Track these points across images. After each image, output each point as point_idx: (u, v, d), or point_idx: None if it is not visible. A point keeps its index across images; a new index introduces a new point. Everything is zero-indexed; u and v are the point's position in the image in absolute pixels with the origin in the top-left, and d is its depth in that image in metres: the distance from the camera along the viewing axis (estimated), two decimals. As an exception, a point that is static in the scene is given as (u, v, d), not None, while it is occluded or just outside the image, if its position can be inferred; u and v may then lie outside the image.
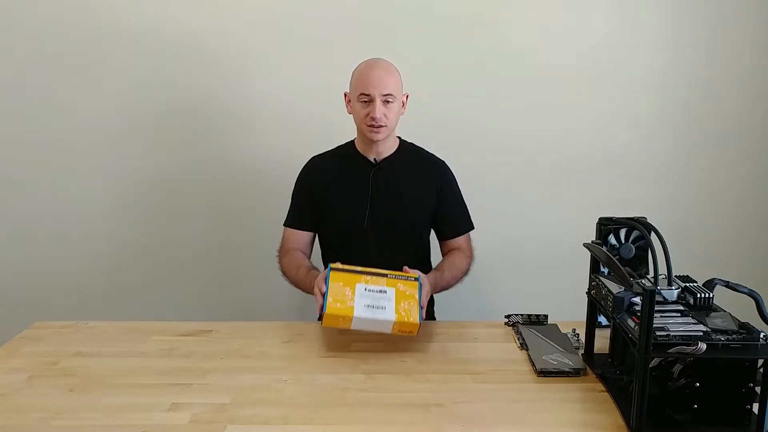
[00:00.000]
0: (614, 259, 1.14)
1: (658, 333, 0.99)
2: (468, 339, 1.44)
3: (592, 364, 1.25)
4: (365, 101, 1.55)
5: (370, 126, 1.56)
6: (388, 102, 1.55)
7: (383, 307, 1.32)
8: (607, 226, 1.25)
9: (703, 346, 0.95)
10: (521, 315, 1.49)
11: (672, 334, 0.99)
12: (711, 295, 1.08)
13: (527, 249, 2.24)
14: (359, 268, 1.41)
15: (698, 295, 1.08)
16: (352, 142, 1.70)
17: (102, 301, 2.23)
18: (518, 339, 1.40)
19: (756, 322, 1.03)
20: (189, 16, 2.07)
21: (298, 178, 1.72)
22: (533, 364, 1.27)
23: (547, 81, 2.14)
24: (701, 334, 0.99)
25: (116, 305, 2.23)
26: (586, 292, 1.28)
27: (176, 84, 2.12)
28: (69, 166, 2.17)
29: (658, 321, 1.02)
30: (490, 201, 2.14)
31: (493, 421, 1.09)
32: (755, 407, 1.00)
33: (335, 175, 1.66)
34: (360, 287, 1.36)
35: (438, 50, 2.11)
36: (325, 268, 1.72)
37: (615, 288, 1.12)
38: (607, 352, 1.26)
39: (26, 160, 2.16)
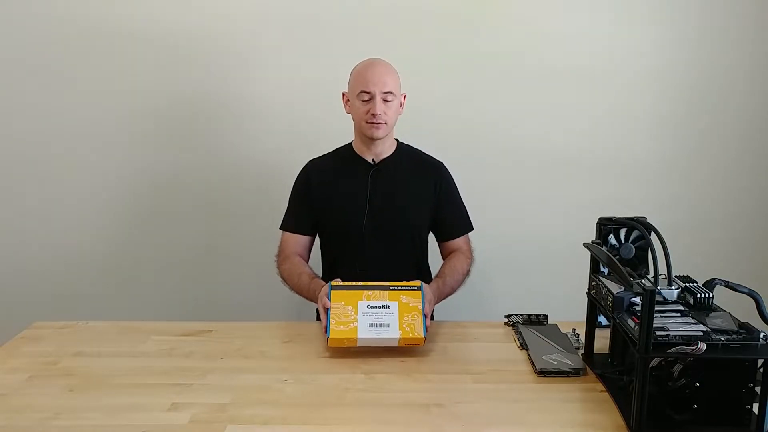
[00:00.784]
0: (614, 259, 1.14)
1: (658, 333, 0.99)
2: (468, 339, 1.44)
3: (592, 364, 1.25)
4: (365, 99, 1.55)
5: (370, 123, 1.56)
6: (387, 100, 1.55)
7: (387, 325, 1.32)
8: (607, 226, 1.25)
9: (703, 346, 0.95)
10: (521, 315, 1.49)
11: (672, 334, 0.99)
12: (711, 295, 1.08)
13: (527, 249, 2.24)
14: (360, 283, 1.40)
15: (698, 295, 1.08)
16: (350, 144, 1.70)
17: (102, 301, 2.23)
18: (518, 339, 1.40)
19: (756, 322, 1.03)
20: (188, 16, 2.07)
21: (296, 181, 1.72)
22: (533, 364, 1.27)
23: (546, 81, 2.13)
24: (701, 334, 0.99)
25: (116, 305, 2.23)
26: (586, 292, 1.28)
27: (175, 85, 2.12)
28: (69, 166, 2.17)
29: (658, 321, 1.02)
30: (489, 201, 2.14)
31: (493, 421, 1.09)
32: (755, 407, 1.00)
33: (333, 177, 1.66)
34: (362, 305, 1.35)
35: (437, 51, 2.11)
36: (323, 271, 1.73)
37: (615, 288, 1.12)
38: (607, 352, 1.26)
39: (26, 160, 2.17)
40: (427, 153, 1.74)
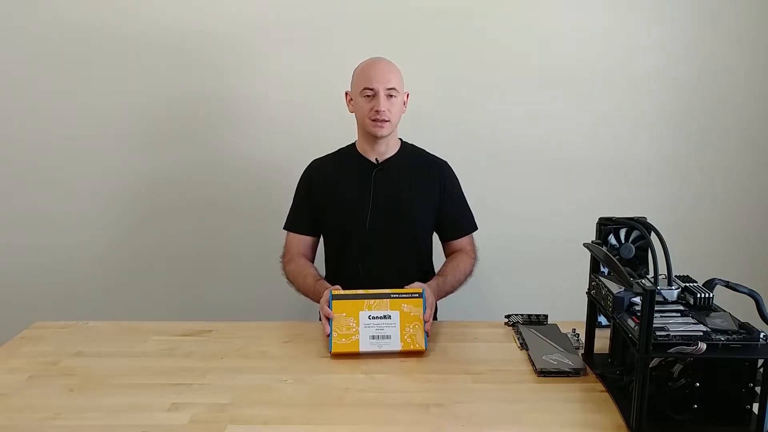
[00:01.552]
0: (614, 259, 1.13)
1: (658, 333, 0.99)
2: (468, 339, 1.44)
3: (592, 364, 1.25)
4: (369, 96, 1.55)
5: (374, 120, 1.55)
6: (391, 96, 1.55)
7: (388, 336, 1.33)
8: (607, 226, 1.25)
9: (703, 346, 0.95)
10: (521, 315, 1.49)
11: (672, 334, 0.99)
12: (711, 295, 1.08)
13: (527, 249, 2.24)
14: (361, 292, 1.40)
15: (698, 295, 1.08)
16: (353, 144, 1.70)
17: (102, 301, 2.23)
18: (518, 339, 1.40)
19: (756, 322, 1.03)
20: (188, 16, 2.07)
21: (299, 181, 1.71)
22: (533, 364, 1.27)
23: (547, 81, 2.13)
24: (701, 334, 0.99)
25: (116, 305, 2.23)
26: (586, 292, 1.28)
27: (175, 85, 2.12)
28: (69, 166, 2.17)
29: (658, 321, 1.02)
30: (490, 201, 2.14)
31: (493, 421, 1.09)
32: (755, 407, 1.00)
33: (337, 176, 1.66)
34: (363, 315, 1.36)
35: (439, 51, 2.11)
36: (327, 272, 1.73)
37: (615, 288, 1.12)
38: (607, 352, 1.26)
39: (26, 160, 2.17)
40: (431, 152, 1.74)
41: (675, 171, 2.22)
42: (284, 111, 2.14)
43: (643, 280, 1.12)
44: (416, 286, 1.43)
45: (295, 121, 2.14)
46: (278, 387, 1.20)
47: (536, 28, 2.11)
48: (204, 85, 2.12)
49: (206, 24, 2.08)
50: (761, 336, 0.98)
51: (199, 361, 1.31)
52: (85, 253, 2.23)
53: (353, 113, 1.63)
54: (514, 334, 1.44)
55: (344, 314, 1.36)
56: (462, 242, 1.71)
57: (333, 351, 1.32)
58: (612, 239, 1.25)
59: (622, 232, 1.24)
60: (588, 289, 1.27)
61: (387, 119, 1.55)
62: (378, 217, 1.62)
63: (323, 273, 1.72)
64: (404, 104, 1.63)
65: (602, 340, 1.28)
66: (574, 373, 1.23)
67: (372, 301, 1.38)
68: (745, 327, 1.01)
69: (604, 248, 1.22)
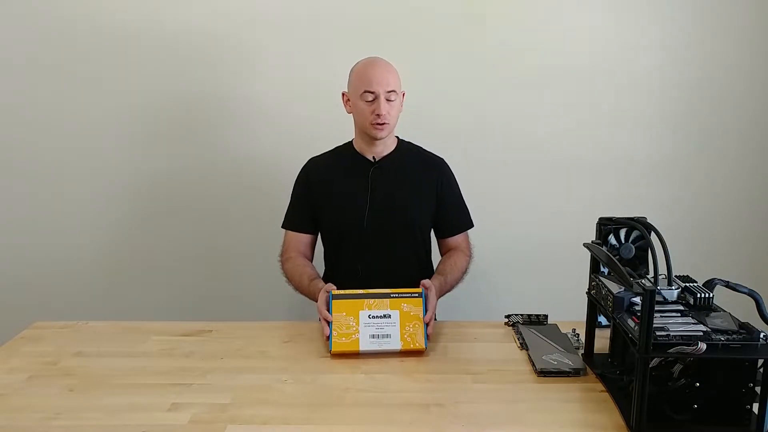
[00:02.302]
0: (614, 259, 1.14)
1: (658, 333, 0.99)
2: (468, 339, 1.44)
3: (592, 364, 1.25)
4: (369, 99, 1.55)
5: (374, 124, 1.56)
6: (390, 99, 1.55)
7: (388, 335, 1.34)
8: (607, 226, 1.25)
9: (703, 346, 0.95)
10: (521, 315, 1.49)
11: (672, 334, 0.99)
12: (711, 295, 1.08)
13: (527, 249, 2.24)
14: (361, 291, 1.40)
15: (698, 295, 1.08)
16: (350, 142, 1.70)
17: (102, 301, 2.23)
18: (518, 339, 1.40)
19: (756, 322, 1.03)
20: (187, 16, 2.07)
21: (297, 179, 1.72)
22: (533, 364, 1.27)
23: (547, 81, 2.13)
24: (701, 334, 0.99)
25: (116, 305, 2.23)
26: (586, 292, 1.28)
27: (174, 84, 2.12)
28: (69, 166, 2.17)
29: (658, 321, 1.02)
30: (489, 201, 2.14)
31: (493, 421, 1.09)
32: (755, 407, 1.00)
33: (334, 175, 1.66)
34: (363, 315, 1.36)
35: (437, 50, 2.11)
36: (325, 269, 1.73)
37: (615, 288, 1.12)
38: (607, 352, 1.26)
39: (26, 160, 2.16)
40: (428, 150, 1.74)
41: (675, 171, 2.22)
42: (284, 110, 2.14)
43: (643, 280, 1.12)
44: (425, 284, 1.44)
45: (295, 121, 2.14)
46: (278, 387, 1.20)
47: (536, 27, 2.11)
48: (204, 84, 2.12)
49: (206, 24, 2.08)
50: (761, 336, 0.98)
51: (199, 361, 1.31)
52: (85, 253, 2.23)
53: (350, 113, 1.63)
54: (514, 334, 1.44)
55: (344, 314, 1.36)
56: (458, 240, 1.71)
57: (333, 350, 1.32)
58: (612, 239, 1.25)
59: (622, 232, 1.24)
60: (588, 289, 1.27)
61: (387, 122, 1.55)
62: (376, 215, 1.62)
63: (322, 271, 1.72)
64: (401, 103, 1.62)
65: (602, 340, 1.28)
66: (574, 373, 1.23)
67: (372, 300, 1.38)
68: (745, 327, 1.01)
69: (604, 248, 1.22)
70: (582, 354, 1.30)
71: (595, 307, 1.26)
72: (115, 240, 2.23)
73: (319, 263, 1.72)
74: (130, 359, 1.32)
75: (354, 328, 1.34)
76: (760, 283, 1.21)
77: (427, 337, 1.35)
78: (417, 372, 1.26)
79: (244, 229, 2.22)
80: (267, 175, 2.16)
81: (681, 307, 1.08)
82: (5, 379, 1.23)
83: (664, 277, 1.11)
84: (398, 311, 1.37)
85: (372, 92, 1.54)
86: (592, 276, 1.25)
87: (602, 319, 1.30)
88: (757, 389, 0.99)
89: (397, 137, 1.70)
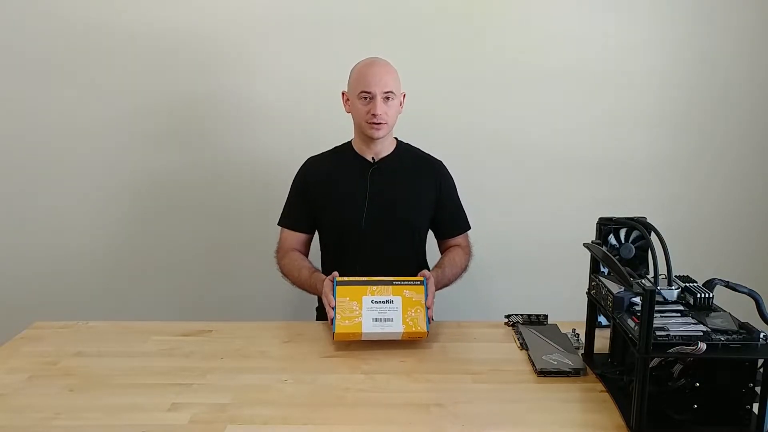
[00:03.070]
0: (614, 259, 1.13)
1: (658, 333, 0.99)
2: (468, 339, 1.44)
3: (592, 364, 1.25)
4: (366, 99, 1.55)
5: (371, 123, 1.56)
6: (388, 99, 1.56)
7: (390, 319, 1.35)
8: (607, 226, 1.25)
9: (703, 346, 0.95)
10: (521, 315, 1.49)
11: (672, 334, 0.99)
12: (711, 295, 1.08)
13: (527, 249, 2.24)
14: (364, 278, 1.43)
15: (698, 295, 1.08)
16: (350, 142, 1.70)
17: (102, 301, 2.23)
18: (518, 339, 1.40)
19: (756, 322, 1.03)
20: (187, 16, 2.07)
21: (295, 178, 1.72)
22: (533, 364, 1.27)
23: (546, 81, 2.14)
24: (701, 334, 0.99)
25: (116, 305, 2.23)
26: (586, 292, 1.28)
27: (174, 84, 2.12)
28: (69, 166, 2.17)
29: (658, 321, 1.02)
30: (489, 201, 2.14)
31: (493, 421, 1.09)
32: (755, 407, 1.00)
33: (332, 175, 1.67)
34: (366, 300, 1.38)
35: (437, 50, 2.11)
36: (323, 269, 1.74)
37: (615, 288, 1.12)
38: (607, 352, 1.26)
39: (26, 160, 2.16)
40: (426, 152, 1.74)
41: (675, 171, 2.22)
42: (284, 110, 2.14)
43: (643, 280, 1.12)
44: (425, 273, 1.46)
45: (295, 121, 2.14)
46: (278, 387, 1.20)
47: (536, 27, 2.11)
48: (204, 84, 2.12)
49: (206, 24, 2.08)
50: (761, 336, 0.98)
51: (199, 361, 1.31)
52: (85, 253, 2.23)
53: (350, 113, 1.63)
54: (514, 334, 1.44)
55: (347, 298, 1.38)
56: (458, 239, 1.73)
57: (336, 331, 1.33)
58: (612, 239, 1.25)
59: (622, 232, 1.24)
60: (588, 289, 1.27)
61: (384, 122, 1.56)
62: (373, 216, 1.62)
63: (319, 268, 1.72)
64: (401, 104, 1.63)
65: (602, 340, 1.28)
66: (574, 373, 1.23)
67: (375, 287, 1.41)
68: (745, 327, 1.01)
69: (604, 248, 1.22)
70: (582, 354, 1.30)
71: (595, 307, 1.26)
72: (115, 240, 2.23)
73: (316, 262, 1.72)
74: (130, 359, 1.32)
75: (357, 312, 1.36)
76: (760, 283, 1.21)
77: (429, 321, 1.36)
78: (417, 372, 1.26)
79: (244, 229, 2.22)
80: (267, 175, 2.16)
81: (681, 307, 1.08)
82: (5, 379, 1.23)
83: (664, 277, 1.11)
84: (400, 297, 1.39)
85: (369, 92, 1.54)
86: (592, 276, 1.25)
87: (602, 319, 1.30)
88: (757, 389, 0.99)
89: (395, 138, 1.71)
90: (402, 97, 1.63)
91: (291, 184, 1.73)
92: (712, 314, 1.06)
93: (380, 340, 1.35)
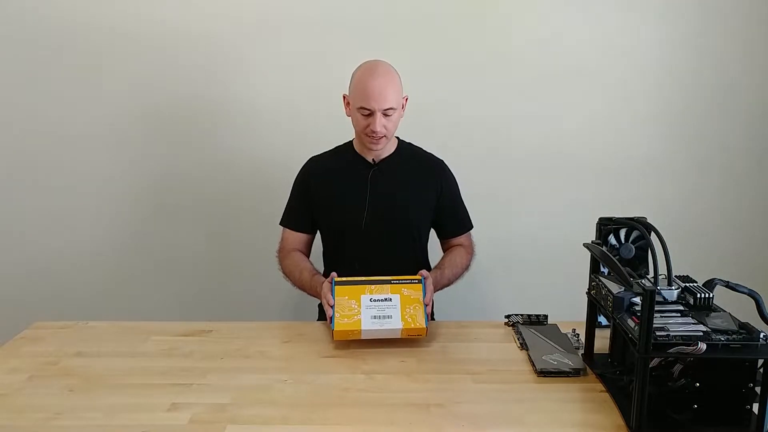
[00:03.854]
0: (614, 259, 1.13)
1: (658, 333, 0.99)
2: (468, 339, 1.44)
3: (592, 364, 1.25)
4: (365, 114, 1.54)
5: (369, 137, 1.56)
6: (387, 114, 1.54)
7: (389, 316, 1.36)
8: (607, 226, 1.25)
9: (703, 346, 0.95)
10: (521, 315, 1.49)
11: (672, 334, 0.99)
12: (711, 295, 1.08)
13: (527, 249, 2.24)
14: (363, 278, 1.43)
15: (698, 295, 1.08)
16: (351, 142, 1.70)
17: (102, 301, 2.23)
18: (518, 339, 1.40)
19: (756, 322, 1.03)
20: (188, 16, 2.07)
21: (296, 178, 1.72)
22: (533, 364, 1.27)
23: (546, 81, 2.13)
24: (701, 334, 0.99)
25: (116, 305, 2.23)
26: (586, 292, 1.28)
27: (174, 85, 2.12)
28: (69, 166, 2.17)
29: (658, 321, 1.02)
30: (489, 201, 2.14)
31: (493, 421, 1.09)
32: (755, 407, 1.00)
33: (334, 175, 1.66)
34: (365, 298, 1.39)
35: (437, 50, 2.11)
36: (324, 268, 1.74)
37: (615, 288, 1.12)
38: (607, 352, 1.26)
39: (26, 160, 2.17)
40: (428, 151, 1.74)
41: (675, 171, 2.22)
42: (284, 111, 2.14)
43: (643, 280, 1.12)
44: (423, 273, 1.46)
45: (295, 121, 2.14)
46: (278, 387, 1.20)
47: (536, 28, 2.11)
48: (205, 85, 2.12)
49: (207, 24, 2.08)
50: (761, 336, 0.98)
51: (199, 361, 1.31)
52: (86, 253, 2.23)
53: (350, 117, 1.63)
54: (514, 334, 1.44)
55: (346, 297, 1.39)
56: (461, 239, 1.73)
57: (336, 329, 1.34)
58: (612, 239, 1.25)
59: (622, 232, 1.24)
60: (588, 289, 1.27)
61: (383, 136, 1.56)
62: (375, 216, 1.62)
63: (320, 269, 1.72)
64: (402, 108, 1.61)
65: (602, 340, 1.28)
66: (574, 373, 1.23)
67: (373, 286, 1.42)
68: (745, 327, 1.01)
69: (604, 248, 1.22)
70: (582, 354, 1.30)
71: (595, 307, 1.26)
72: (115, 240, 2.23)
73: (318, 262, 1.72)
74: (130, 359, 1.32)
75: (356, 310, 1.37)
76: (760, 283, 1.21)
77: (428, 318, 1.37)
78: (417, 372, 1.26)
79: (244, 229, 2.22)
80: (267, 175, 2.16)
81: (681, 307, 1.08)
82: (5, 379, 1.23)
83: (664, 277, 1.11)
84: (399, 295, 1.40)
85: (368, 109, 1.52)
86: (592, 276, 1.25)
87: (602, 319, 1.30)
88: (757, 389, 0.99)
89: (397, 138, 1.70)
90: (404, 101, 1.61)
91: (292, 184, 1.73)
92: (712, 314, 1.06)
93: (380, 340, 1.36)
